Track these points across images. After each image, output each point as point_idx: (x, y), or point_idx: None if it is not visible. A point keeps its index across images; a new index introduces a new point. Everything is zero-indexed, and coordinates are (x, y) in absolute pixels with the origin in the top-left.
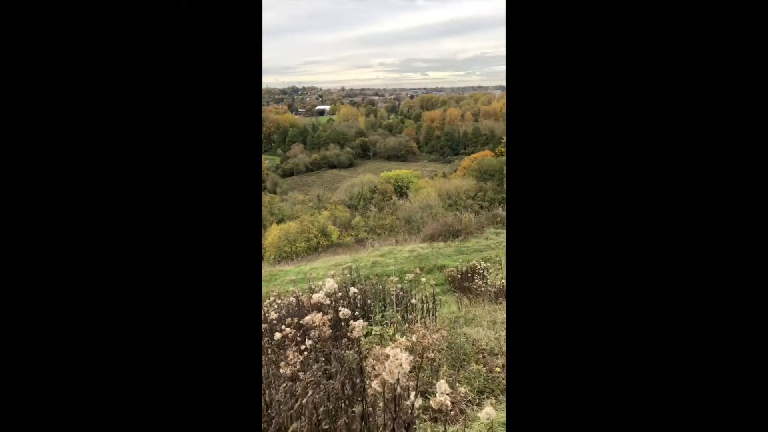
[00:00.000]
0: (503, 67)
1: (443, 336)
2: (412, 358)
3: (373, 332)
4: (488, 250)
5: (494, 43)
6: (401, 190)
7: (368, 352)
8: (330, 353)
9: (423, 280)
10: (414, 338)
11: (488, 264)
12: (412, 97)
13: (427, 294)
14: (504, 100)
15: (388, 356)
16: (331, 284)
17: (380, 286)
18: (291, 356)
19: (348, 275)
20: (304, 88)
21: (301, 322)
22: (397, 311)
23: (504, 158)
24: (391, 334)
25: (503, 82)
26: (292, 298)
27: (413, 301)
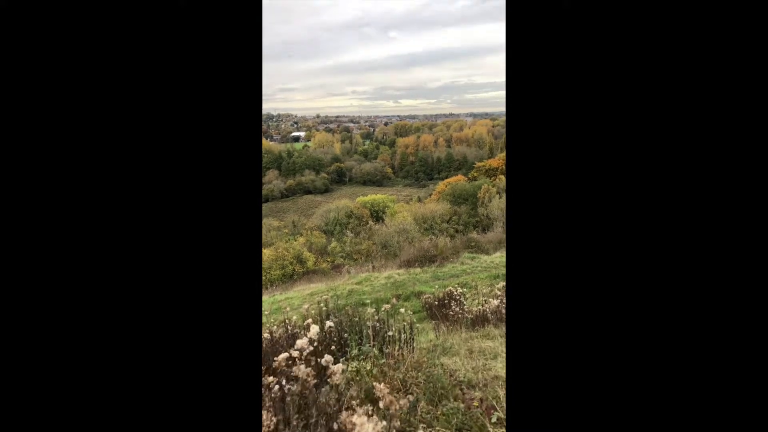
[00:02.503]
0: (473, 95)
1: (419, 379)
2: (382, 425)
3: (350, 369)
4: (464, 275)
5: (464, 72)
6: (377, 215)
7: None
8: (309, 402)
9: (402, 310)
10: (381, 405)
11: (464, 289)
12: (386, 123)
13: (405, 324)
14: (475, 127)
15: (354, 425)
16: (314, 330)
17: (356, 318)
18: (266, 419)
19: (324, 308)
20: (279, 115)
21: (274, 366)
22: (373, 345)
23: (476, 183)
24: (368, 369)
25: (474, 110)
26: (266, 334)
27: (390, 332)
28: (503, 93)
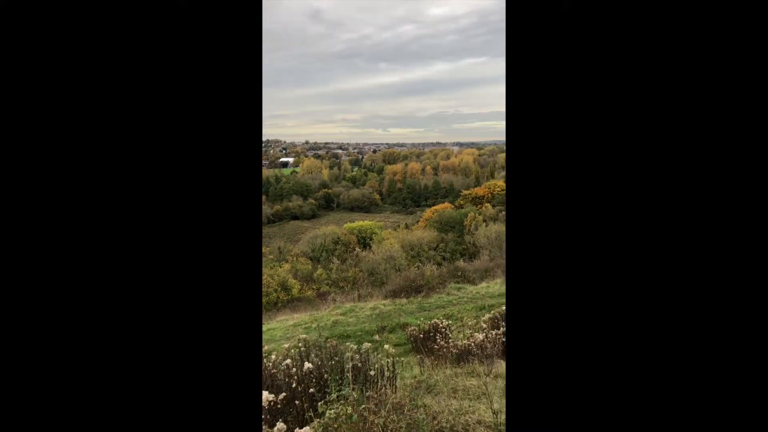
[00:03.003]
0: (460, 125)
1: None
2: None
3: (328, 414)
4: (450, 305)
5: (451, 103)
6: (365, 241)
7: None
8: None
9: (386, 346)
10: None
11: (450, 321)
12: (374, 151)
13: (388, 361)
14: (461, 156)
15: None
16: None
17: (337, 358)
18: None
19: (303, 349)
20: (268, 141)
21: None
22: (353, 388)
23: (463, 210)
24: (348, 413)
25: (461, 139)
26: None
27: (372, 371)
28: (489, 123)
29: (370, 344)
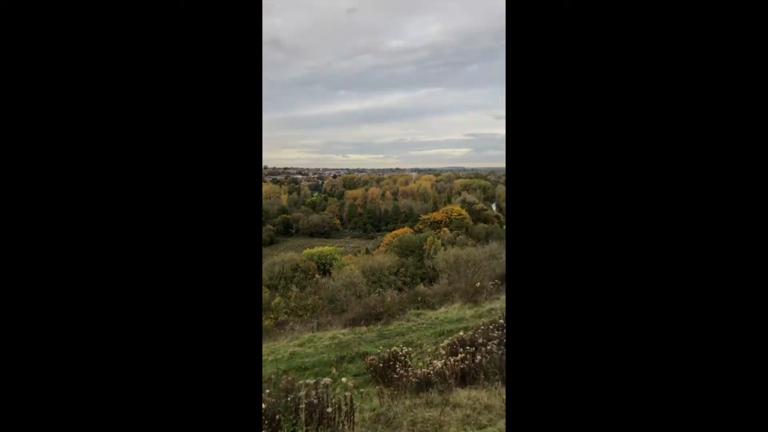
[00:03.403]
0: (419, 152)
1: None
2: None
3: None
4: (410, 332)
5: (409, 131)
6: (324, 267)
7: None
8: None
9: (343, 379)
10: None
11: (410, 349)
12: (335, 176)
13: (345, 396)
14: (420, 181)
15: None
16: None
17: (292, 395)
18: None
19: None
20: None
21: None
22: (307, 430)
23: (422, 234)
24: None
25: (419, 165)
26: None
27: (329, 408)
28: (445, 151)
29: (328, 379)
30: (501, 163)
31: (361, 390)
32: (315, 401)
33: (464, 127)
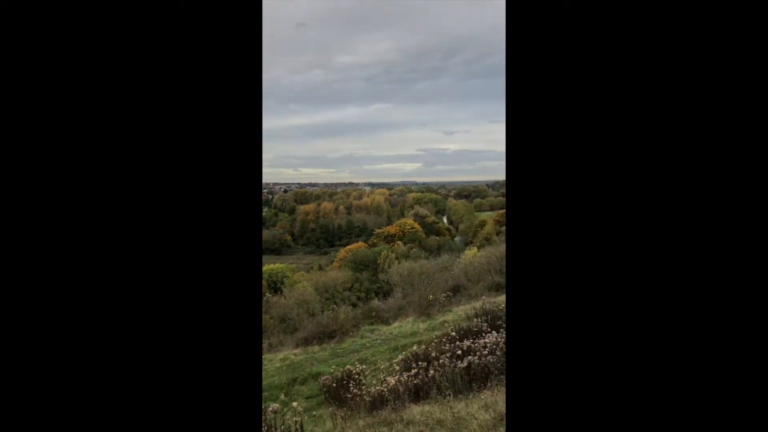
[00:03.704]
0: (371, 166)
1: None
2: None
3: None
4: (364, 349)
5: (362, 145)
6: (275, 285)
7: None
8: None
9: (294, 404)
10: None
11: (364, 366)
12: (286, 191)
13: (297, 420)
14: (373, 195)
15: None
16: None
17: None
18: None
19: None
20: None
21: None
22: None
23: (377, 249)
24: None
25: (372, 179)
26: None
27: None
28: (397, 165)
29: (276, 405)
30: (451, 177)
31: (314, 413)
32: (264, 429)
33: (415, 143)
